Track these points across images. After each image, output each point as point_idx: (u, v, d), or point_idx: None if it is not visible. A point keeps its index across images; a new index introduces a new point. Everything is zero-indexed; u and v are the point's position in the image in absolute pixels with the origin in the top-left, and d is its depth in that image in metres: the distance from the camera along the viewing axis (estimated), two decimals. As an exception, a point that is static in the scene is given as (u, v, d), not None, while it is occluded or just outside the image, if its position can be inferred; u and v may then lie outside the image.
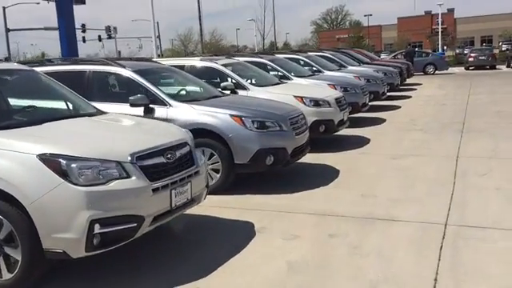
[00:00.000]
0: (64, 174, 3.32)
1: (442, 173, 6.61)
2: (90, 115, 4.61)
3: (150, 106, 6.05)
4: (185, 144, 4.18)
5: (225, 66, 8.84)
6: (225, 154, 5.85)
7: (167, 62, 8.78)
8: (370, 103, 12.18)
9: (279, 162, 6.03)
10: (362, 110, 11.22)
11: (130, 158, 3.57)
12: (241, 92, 8.38)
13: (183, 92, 7.08)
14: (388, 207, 5.26)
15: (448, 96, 16.51)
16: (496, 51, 37.14)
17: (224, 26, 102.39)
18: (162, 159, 3.82)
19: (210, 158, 5.94)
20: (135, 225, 3.51)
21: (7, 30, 50.41)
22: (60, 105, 4.80)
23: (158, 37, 66.19)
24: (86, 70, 6.46)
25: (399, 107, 14.06)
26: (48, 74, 6.40)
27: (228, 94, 7.31)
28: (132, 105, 5.93)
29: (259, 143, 5.85)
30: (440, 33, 54.70)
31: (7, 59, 49.29)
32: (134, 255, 4.17)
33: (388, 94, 15.01)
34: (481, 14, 71.55)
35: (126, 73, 6.32)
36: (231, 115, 5.89)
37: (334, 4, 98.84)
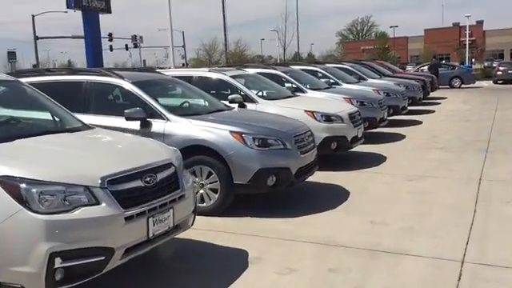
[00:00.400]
0: (23, 199, 2.96)
1: (462, 198, 6.06)
2: (73, 130, 4.27)
3: (148, 119, 5.71)
4: (169, 165, 3.79)
5: (234, 77, 8.47)
6: (223, 173, 5.45)
7: (173, 72, 8.48)
8: (389, 118, 11.67)
9: (282, 183, 5.59)
10: (380, 126, 10.69)
11: (100, 182, 3.19)
12: (249, 105, 7.99)
13: (185, 105, 6.74)
14: (399, 238, 4.76)
15: (473, 111, 15.77)
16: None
17: (249, 36, 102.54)
18: (139, 183, 3.43)
19: (207, 177, 5.55)
20: (103, 258, 3.12)
21: (36, 38, 51.53)
22: (41, 119, 4.48)
23: (184, 46, 66.93)
24: (83, 81, 6.16)
25: (420, 123, 13.44)
26: (45, 84, 6.19)
27: (232, 108, 6.92)
28: (128, 118, 5.61)
29: (260, 162, 5.42)
30: (468, 45, 53.41)
31: (35, 66, 50.26)
32: (115, 283, 3.79)
33: (409, 108, 14.41)
34: (511, 26, 69.75)
35: (124, 84, 6.00)
36: (231, 131, 5.49)
37: (359, 15, 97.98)
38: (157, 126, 5.70)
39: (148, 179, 3.49)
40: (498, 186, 6.54)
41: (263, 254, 4.44)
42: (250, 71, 10.03)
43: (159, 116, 5.74)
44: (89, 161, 3.41)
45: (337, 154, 8.19)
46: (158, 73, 7.46)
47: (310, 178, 6.38)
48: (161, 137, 5.63)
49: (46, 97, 4.64)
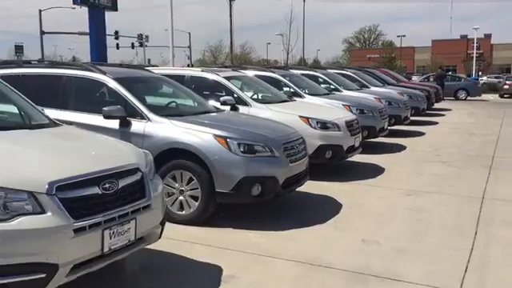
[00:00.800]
0: (-47, 205, 2.56)
1: (463, 218, 5.62)
2: (35, 127, 3.88)
3: (127, 118, 5.32)
4: (135, 171, 3.38)
5: (227, 78, 8.08)
6: (205, 180, 5.03)
7: (164, 71, 8.10)
8: (390, 128, 11.25)
9: (268, 194, 5.17)
10: (380, 136, 10.26)
11: (47, 188, 2.79)
12: (242, 108, 7.60)
13: (172, 105, 6.35)
14: (391, 260, 4.33)
15: (478, 125, 15.33)
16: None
17: (256, 39, 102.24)
18: (95, 190, 3.02)
19: (188, 183, 5.14)
20: (44, 276, 2.71)
21: (42, 33, 51.39)
22: (3, 114, 4.08)
23: (189, 47, 66.76)
24: (63, 75, 5.78)
25: (423, 134, 13.00)
26: (22, 77, 5.82)
27: (222, 110, 6.51)
28: (106, 116, 5.21)
29: (244, 170, 5.01)
30: (475, 58, 52.89)
31: (40, 61, 50.16)
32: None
33: (412, 118, 13.97)
34: (519, 40, 69.23)
35: (105, 80, 5.61)
36: (215, 135, 5.08)
37: (367, 23, 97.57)
38: (137, 125, 5.30)
39: (107, 186, 3.09)
40: (501, 207, 6.10)
41: (239, 271, 4.02)
42: (247, 73, 9.64)
43: (140, 115, 5.34)
44: (39, 163, 3.00)
45: (331, 163, 7.76)
46: (147, 70, 7.06)
47: (301, 188, 5.97)
48: (140, 137, 5.24)
49: (11, 89, 4.25)
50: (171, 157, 5.16)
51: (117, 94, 5.49)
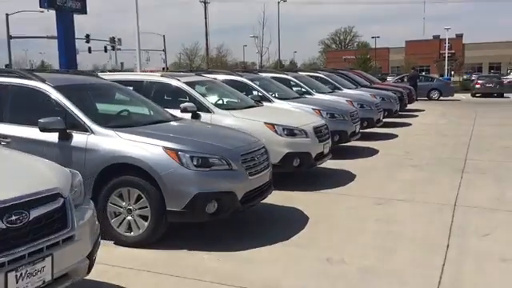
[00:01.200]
0: None
1: (434, 229, 5.29)
2: None
3: (68, 131, 4.81)
4: (53, 197, 2.89)
5: (189, 84, 7.62)
6: (154, 198, 4.57)
7: (119, 77, 7.62)
8: (362, 131, 10.96)
9: (225, 210, 4.73)
10: (352, 140, 9.94)
11: None
12: (204, 115, 7.15)
13: (123, 114, 5.85)
14: (356, 283, 3.95)
15: (451, 125, 15.21)
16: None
17: (232, 42, 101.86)
18: (-2, 224, 2.54)
19: (136, 202, 4.66)
20: None
21: (9, 37, 49.96)
22: None
23: (164, 50, 65.89)
24: (-4, 83, 5.24)
25: (395, 136, 12.75)
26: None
27: (180, 119, 6.04)
28: (42, 129, 4.70)
29: (198, 186, 4.56)
30: (447, 58, 53.51)
31: (7, 66, 48.57)
32: None
33: (385, 120, 13.77)
34: (490, 40, 70.55)
35: (44, 88, 5.08)
36: (165, 148, 4.62)
37: (343, 25, 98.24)
38: (78, 139, 4.80)
39: (14, 218, 2.60)
40: (474, 215, 5.80)
41: (187, 304, 3.57)
42: (212, 77, 9.19)
43: (82, 127, 4.84)
44: None
45: (300, 171, 7.37)
46: (98, 77, 6.54)
47: (266, 200, 5.55)
48: (82, 152, 4.75)
49: None
50: (117, 173, 4.68)
51: (56, 103, 4.98)
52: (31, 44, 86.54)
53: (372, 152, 10.33)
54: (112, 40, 56.09)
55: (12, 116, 5.14)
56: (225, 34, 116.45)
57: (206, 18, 59.39)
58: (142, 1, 18.17)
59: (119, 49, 58.28)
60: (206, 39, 62.73)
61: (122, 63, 65.04)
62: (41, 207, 2.77)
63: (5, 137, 4.96)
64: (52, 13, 28.46)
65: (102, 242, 4.68)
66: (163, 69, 55.32)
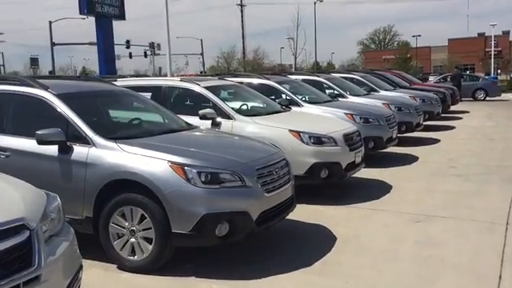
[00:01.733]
0: None
1: (483, 254, 4.57)
2: None
3: (68, 143, 4.40)
4: (16, 230, 2.43)
5: (209, 88, 7.13)
6: (159, 219, 4.08)
7: (136, 82, 7.28)
8: (400, 135, 10.19)
9: (237, 233, 4.19)
10: (388, 146, 9.20)
11: None
12: (224, 122, 6.66)
13: (133, 123, 5.42)
14: (387, 325, 3.32)
15: (498, 128, 14.10)
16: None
17: (270, 45, 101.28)
18: None
19: (140, 222, 4.19)
20: None
21: (53, 44, 51.59)
22: None
23: (202, 54, 66.30)
24: (-2, 92, 4.91)
25: (437, 141, 11.85)
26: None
27: (194, 127, 5.55)
28: (40, 142, 4.31)
29: (206, 205, 4.04)
30: (493, 55, 51.08)
31: (51, 73, 49.92)
32: None
33: (426, 123, 12.86)
34: (540, 36, 66.94)
35: (46, 97, 4.69)
36: (170, 162, 4.13)
37: (382, 24, 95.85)
38: (79, 152, 4.38)
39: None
40: (530, 236, 5.02)
41: None
42: (236, 81, 8.68)
43: (83, 139, 4.42)
44: None
45: (329, 183, 6.74)
46: (109, 83, 6.14)
47: (290, 215, 4.98)
48: (83, 167, 4.33)
49: None
50: (119, 190, 4.23)
51: (58, 113, 4.58)
52: (76, 51, 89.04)
53: (410, 159, 9.53)
54: (151, 45, 56.84)
55: (13, 127, 4.79)
56: (262, 37, 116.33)
57: (242, 21, 59.39)
58: (180, 6, 17.99)
59: (158, 54, 58.97)
60: (243, 42, 62.80)
61: (160, 68, 65.76)
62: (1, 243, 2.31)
63: (4, 150, 4.61)
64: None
65: (104, 265, 4.31)
66: (201, 72, 55.50)
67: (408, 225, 5.54)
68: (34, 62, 61.33)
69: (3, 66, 59.26)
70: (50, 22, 51.13)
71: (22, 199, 2.65)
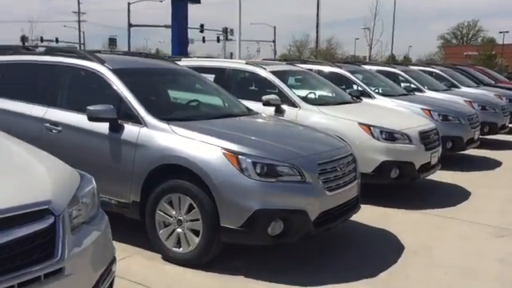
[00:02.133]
0: None
1: None
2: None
3: (119, 121, 4.17)
4: (40, 214, 2.14)
5: (275, 73, 6.71)
6: (208, 210, 3.73)
7: (200, 63, 6.99)
8: (482, 137, 9.27)
9: (292, 234, 3.75)
10: (468, 148, 8.34)
11: None
12: (288, 109, 6.24)
13: (189, 104, 5.13)
14: None
15: None
16: None
17: (344, 35, 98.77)
18: None
19: (188, 212, 3.87)
20: None
21: (129, 25, 53.54)
22: None
23: (274, 41, 65.97)
24: (55, 64, 4.76)
25: (525, 146, 10.70)
26: (11, 65, 4.94)
27: (255, 113, 5.16)
28: (90, 118, 4.11)
29: (260, 200, 3.64)
30: None
31: (126, 54, 52.01)
32: None
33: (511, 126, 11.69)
34: None
35: (100, 71, 4.48)
36: (224, 149, 3.76)
37: (465, 19, 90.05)
38: (129, 131, 4.13)
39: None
40: None
41: None
42: (305, 67, 8.19)
43: (135, 118, 4.16)
44: None
45: (399, 183, 6.12)
46: (171, 61, 5.88)
47: (354, 217, 4.49)
48: (132, 148, 4.07)
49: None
50: (169, 175, 3.93)
51: (112, 88, 4.36)
52: (153, 33, 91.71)
53: (493, 164, 8.61)
54: (224, 30, 57.31)
55: (66, 101, 4.64)
56: (337, 27, 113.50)
57: (318, 9, 58.16)
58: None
59: (231, 39, 59.36)
60: (317, 31, 61.60)
61: (231, 53, 66.30)
62: (15, 229, 2.03)
63: (56, 124, 4.47)
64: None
65: (149, 254, 4.06)
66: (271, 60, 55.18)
67: (489, 239, 4.84)
68: (112, 42, 63.87)
69: (84, 44, 62.19)
70: (129, 4, 52.94)
71: (51, 179, 2.37)
